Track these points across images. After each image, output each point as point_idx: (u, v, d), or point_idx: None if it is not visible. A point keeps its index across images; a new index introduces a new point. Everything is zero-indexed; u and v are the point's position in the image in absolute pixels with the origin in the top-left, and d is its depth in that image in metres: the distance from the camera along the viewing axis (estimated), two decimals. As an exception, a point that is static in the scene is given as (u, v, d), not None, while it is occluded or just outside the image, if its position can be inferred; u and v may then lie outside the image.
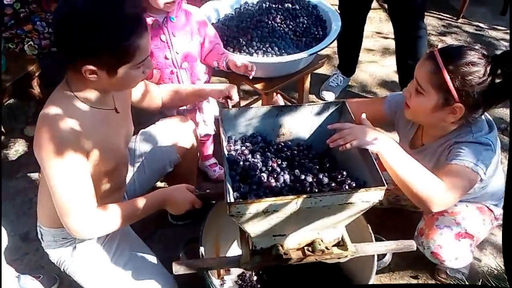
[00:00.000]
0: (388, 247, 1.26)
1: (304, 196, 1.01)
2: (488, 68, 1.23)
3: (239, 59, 1.72)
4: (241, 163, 1.22)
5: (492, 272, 1.74)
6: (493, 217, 1.62)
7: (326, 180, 1.17)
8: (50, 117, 1.15)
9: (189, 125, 1.72)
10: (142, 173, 1.63)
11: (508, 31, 3.29)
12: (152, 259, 1.51)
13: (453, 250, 1.51)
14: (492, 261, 1.83)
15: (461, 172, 1.28)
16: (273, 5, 2.09)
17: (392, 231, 1.94)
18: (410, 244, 1.26)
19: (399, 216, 1.95)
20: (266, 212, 1.03)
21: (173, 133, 1.68)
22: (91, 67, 1.12)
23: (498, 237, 1.95)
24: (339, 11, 2.13)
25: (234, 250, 1.74)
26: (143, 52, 1.17)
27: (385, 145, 1.20)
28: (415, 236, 1.62)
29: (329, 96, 2.67)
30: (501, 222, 1.64)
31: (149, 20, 1.62)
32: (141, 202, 1.31)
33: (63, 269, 1.46)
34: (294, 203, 1.02)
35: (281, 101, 1.57)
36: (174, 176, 1.79)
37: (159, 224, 1.99)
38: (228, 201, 1.00)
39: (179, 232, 1.96)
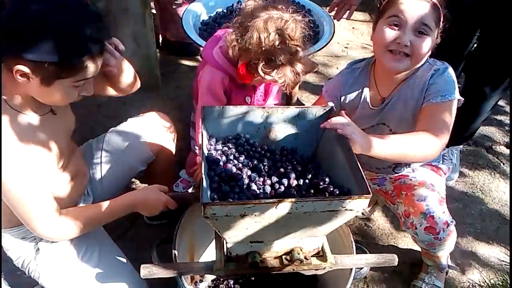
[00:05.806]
0: (369, 260, 1.21)
1: (286, 200, 0.95)
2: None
3: None
4: (221, 163, 1.16)
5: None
6: (442, 173, 1.62)
7: (306, 186, 1.12)
8: None
9: (164, 121, 1.65)
10: (110, 173, 1.53)
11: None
12: (122, 260, 1.43)
13: (442, 216, 1.42)
14: (476, 276, 1.81)
15: (443, 107, 1.35)
16: (266, 6, 2.05)
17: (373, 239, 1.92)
18: (391, 259, 1.21)
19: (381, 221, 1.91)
20: (244, 216, 0.96)
21: (146, 130, 1.60)
22: (24, 69, 1.02)
23: (485, 250, 1.93)
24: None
25: (211, 252, 1.66)
26: (86, 74, 1.10)
27: (369, 145, 1.18)
28: (403, 222, 1.51)
29: None
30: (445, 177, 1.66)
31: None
32: (110, 205, 1.27)
33: (27, 272, 1.38)
34: (274, 208, 0.96)
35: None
36: (150, 175, 1.72)
37: (133, 222, 1.91)
38: (204, 201, 0.94)
39: (154, 231, 1.89)
